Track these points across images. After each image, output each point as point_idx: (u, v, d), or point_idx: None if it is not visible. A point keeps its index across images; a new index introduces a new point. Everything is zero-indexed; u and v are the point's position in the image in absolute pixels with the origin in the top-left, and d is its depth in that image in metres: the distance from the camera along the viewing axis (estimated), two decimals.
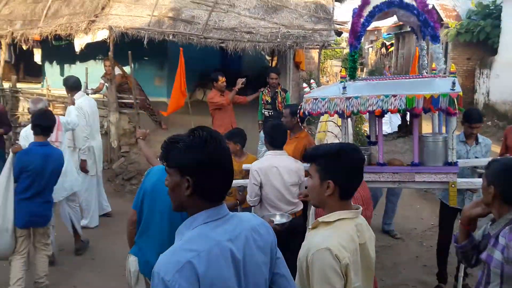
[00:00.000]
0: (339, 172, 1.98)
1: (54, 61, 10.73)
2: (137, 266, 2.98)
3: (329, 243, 1.87)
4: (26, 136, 4.66)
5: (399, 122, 4.89)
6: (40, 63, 9.94)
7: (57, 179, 4.34)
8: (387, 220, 5.83)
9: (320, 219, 2.03)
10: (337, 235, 1.92)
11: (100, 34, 8.15)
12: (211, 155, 1.57)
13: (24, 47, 9.12)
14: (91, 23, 8.27)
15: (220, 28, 8.01)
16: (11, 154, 4.26)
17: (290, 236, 3.41)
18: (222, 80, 6.69)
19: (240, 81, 6.75)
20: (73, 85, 5.86)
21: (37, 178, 4.10)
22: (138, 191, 3.06)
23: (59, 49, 9.74)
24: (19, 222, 4.13)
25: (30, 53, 9.59)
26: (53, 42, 8.92)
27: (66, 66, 10.71)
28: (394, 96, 3.36)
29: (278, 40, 7.67)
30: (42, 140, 4.19)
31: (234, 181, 4.23)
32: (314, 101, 3.55)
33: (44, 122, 4.18)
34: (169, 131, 7.85)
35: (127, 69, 8.35)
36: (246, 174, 4.32)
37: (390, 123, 6.38)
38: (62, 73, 10.73)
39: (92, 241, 5.50)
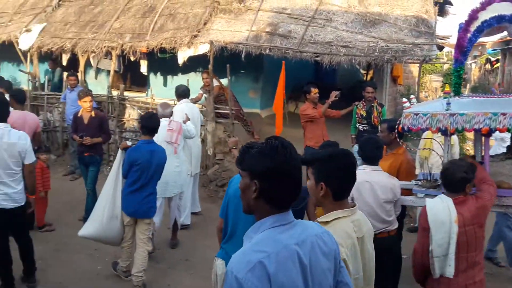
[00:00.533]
0: (330, 175, 2.17)
1: (158, 72, 11.46)
2: (223, 269, 3.07)
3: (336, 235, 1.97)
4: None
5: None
6: (145, 73, 10.67)
7: (161, 173, 4.84)
8: (492, 246, 5.42)
9: (319, 219, 2.20)
10: (334, 234, 1.96)
11: (202, 48, 8.56)
12: (280, 163, 1.65)
13: (132, 59, 9.84)
14: (194, 38, 8.74)
15: (316, 42, 8.05)
16: (119, 151, 4.97)
17: (385, 255, 3.31)
18: (314, 91, 6.70)
19: (334, 94, 6.69)
20: (181, 93, 6.76)
21: (144, 171, 4.62)
22: (223, 199, 3.22)
23: (163, 61, 10.40)
24: (128, 210, 4.69)
25: (137, 64, 10.34)
26: (158, 54, 9.56)
27: (169, 77, 11.39)
28: (504, 114, 3.14)
29: (376, 54, 7.53)
30: (148, 138, 4.76)
31: None
32: (415, 116, 3.44)
33: (150, 123, 4.80)
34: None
35: (224, 81, 8.70)
36: None
37: (498, 144, 5.94)
38: (165, 84, 11.44)
39: (188, 242, 5.79)
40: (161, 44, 8.99)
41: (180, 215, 5.92)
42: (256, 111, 10.45)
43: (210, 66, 8.27)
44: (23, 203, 4.51)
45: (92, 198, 6.16)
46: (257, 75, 10.52)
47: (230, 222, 3.11)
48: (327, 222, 2.17)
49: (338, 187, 2.19)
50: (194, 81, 9.62)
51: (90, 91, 6.57)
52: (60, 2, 11.53)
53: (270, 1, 9.11)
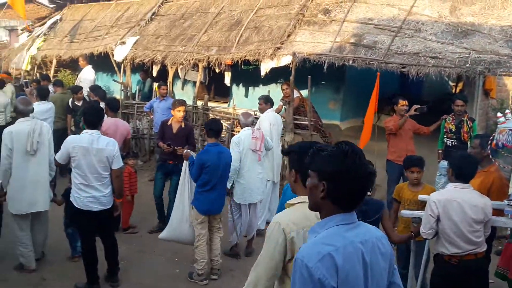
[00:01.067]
0: (301, 164, 2.36)
1: (241, 84, 11.72)
2: None
3: (281, 219, 2.34)
4: (238, 143, 5.62)
5: None
6: (228, 84, 10.95)
7: (229, 172, 5.18)
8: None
9: (288, 202, 2.46)
10: (292, 214, 2.37)
11: (284, 60, 8.61)
12: (348, 167, 1.75)
13: (217, 70, 10.16)
14: (277, 50, 8.81)
15: (403, 53, 7.76)
16: (185, 162, 5.29)
17: (472, 279, 3.08)
18: (402, 103, 6.50)
19: (414, 108, 6.45)
20: (270, 102, 7.05)
21: (214, 172, 4.93)
22: (278, 207, 3.30)
23: (246, 73, 10.62)
24: (201, 210, 4.97)
25: (221, 76, 10.65)
26: (242, 66, 9.78)
27: (250, 88, 11.61)
28: None
29: (467, 65, 7.09)
30: (214, 141, 5.13)
31: (408, 212, 4.08)
32: (510, 132, 3.18)
33: (215, 127, 5.22)
34: None
35: (304, 92, 8.68)
36: (421, 205, 4.09)
37: None
38: (246, 95, 11.67)
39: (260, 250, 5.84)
40: (245, 56, 9.18)
41: (257, 221, 6.02)
42: (335, 122, 10.29)
43: (291, 78, 8.30)
44: (110, 206, 4.78)
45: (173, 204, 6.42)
46: (338, 86, 10.37)
47: None
48: (292, 205, 2.43)
49: (303, 175, 2.38)
50: (275, 92, 9.70)
51: (184, 101, 6.71)
52: (153, 17, 12.24)
53: (355, 12, 8.97)
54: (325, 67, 8.13)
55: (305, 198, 2.23)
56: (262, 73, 9.02)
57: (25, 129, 4.89)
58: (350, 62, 8.02)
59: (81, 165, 4.54)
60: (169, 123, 6.49)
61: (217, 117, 9.55)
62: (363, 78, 7.27)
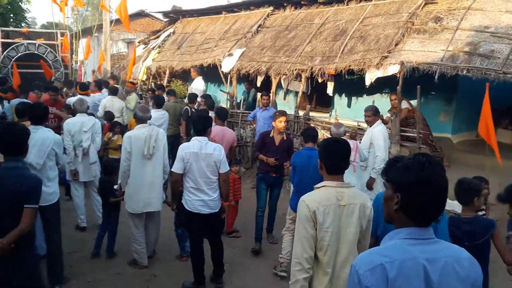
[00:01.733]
0: (323, 154, 2.97)
1: (343, 94, 11.57)
2: None
3: (306, 198, 2.84)
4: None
5: None
6: (331, 94, 10.88)
7: (319, 175, 5.18)
8: None
9: (315, 186, 2.95)
10: (315, 194, 2.88)
11: (391, 69, 8.35)
12: (424, 179, 1.69)
13: (320, 80, 10.15)
14: (384, 59, 8.59)
15: None
16: None
17: None
18: None
19: None
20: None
21: (303, 173, 5.13)
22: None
23: (350, 83, 10.47)
24: (293, 207, 5.15)
25: (323, 86, 10.61)
26: (345, 76, 9.66)
27: (353, 98, 11.41)
28: None
29: None
30: (311, 145, 5.35)
31: None
32: None
33: (311, 132, 5.49)
34: (451, 169, 7.39)
35: (413, 102, 8.32)
36: None
37: None
38: (349, 105, 11.48)
39: None
40: (349, 66, 9.07)
41: None
42: (446, 135, 9.70)
43: (398, 88, 8.01)
44: (217, 210, 4.97)
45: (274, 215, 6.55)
46: (450, 97, 9.77)
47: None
48: (317, 188, 2.92)
49: (329, 164, 2.92)
50: (380, 102, 9.40)
51: (285, 112, 6.53)
52: (259, 29, 12.61)
53: (470, 19, 8.44)
54: (436, 77, 7.74)
55: (327, 183, 2.90)
56: (367, 82, 8.83)
57: (143, 135, 5.28)
58: (464, 72, 7.56)
59: (192, 169, 4.79)
60: (271, 135, 6.28)
61: (319, 127, 9.54)
62: (477, 89, 6.77)
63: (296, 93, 11.51)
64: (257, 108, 9.86)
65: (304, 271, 2.73)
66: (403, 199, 1.74)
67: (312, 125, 9.80)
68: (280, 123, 6.18)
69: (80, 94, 9.37)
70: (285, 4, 12.70)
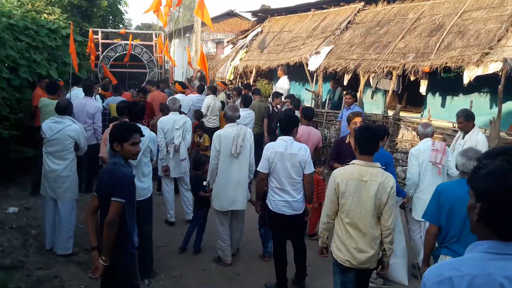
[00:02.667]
0: (356, 138, 3.66)
1: (437, 92, 10.91)
2: None
3: (335, 172, 3.68)
4: (417, 155, 5.38)
5: None
6: (424, 93, 10.29)
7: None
8: None
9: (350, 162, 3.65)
10: (343, 169, 3.69)
11: (492, 67, 7.73)
12: (506, 188, 1.52)
13: (412, 78, 9.65)
14: (484, 56, 7.96)
15: None
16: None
17: None
18: None
19: None
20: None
21: None
22: (431, 205, 3.70)
23: (445, 81, 9.83)
24: None
25: (415, 84, 10.08)
26: (441, 74, 9.08)
27: (448, 97, 10.70)
28: None
29: None
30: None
31: None
32: None
33: (384, 132, 5.38)
34: None
35: None
36: None
37: None
38: (443, 104, 10.78)
39: None
40: (446, 63, 8.53)
41: None
42: None
43: (500, 87, 7.37)
44: (301, 212, 4.88)
45: None
46: None
47: (449, 226, 3.51)
48: (349, 164, 3.66)
49: (360, 146, 3.58)
50: (478, 102, 8.77)
51: (360, 112, 6.07)
52: (348, 25, 12.30)
53: None
54: None
55: (356, 161, 3.60)
56: (465, 81, 8.25)
57: (231, 134, 5.35)
58: None
59: (277, 169, 4.76)
60: (346, 141, 5.74)
61: (409, 128, 9.08)
62: None
63: (385, 91, 11.07)
64: (344, 108, 9.61)
65: (323, 223, 3.80)
66: (483, 209, 1.58)
67: (402, 125, 9.38)
68: (355, 125, 5.54)
69: (179, 92, 9.83)
70: None
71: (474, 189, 1.65)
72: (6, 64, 7.17)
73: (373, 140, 3.60)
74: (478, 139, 5.66)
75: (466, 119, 5.71)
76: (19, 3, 10.04)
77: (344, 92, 9.46)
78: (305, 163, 4.76)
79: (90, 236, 3.48)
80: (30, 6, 9.74)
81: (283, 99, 9.64)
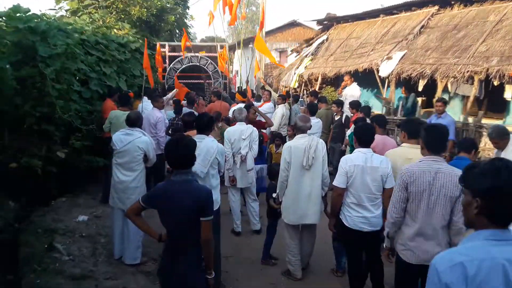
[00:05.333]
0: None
1: None
2: None
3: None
4: None
5: None
6: (509, 99, 9.44)
7: None
8: None
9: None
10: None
11: None
12: (501, 184, 1.77)
13: (496, 83, 8.89)
14: None
15: None
16: None
17: None
18: None
19: None
20: None
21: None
22: None
23: None
24: None
25: (497, 89, 9.28)
26: None
27: None
28: None
29: None
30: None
31: None
32: None
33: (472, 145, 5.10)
34: None
35: None
36: None
37: None
38: None
39: None
40: None
41: None
42: None
43: None
44: (379, 228, 4.50)
45: None
46: None
47: None
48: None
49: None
50: None
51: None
52: (422, 30, 11.67)
53: None
54: None
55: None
56: None
57: (303, 145, 5.06)
58: None
59: (355, 184, 4.41)
60: None
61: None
62: None
63: (462, 97, 10.32)
64: (432, 116, 8.96)
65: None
66: (482, 204, 1.82)
67: (484, 133, 8.63)
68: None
69: (240, 101, 9.67)
70: (452, 2, 11.56)
71: (469, 188, 1.88)
72: (78, 78, 7.34)
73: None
74: None
75: (500, 138, 5.21)
76: (91, 20, 10.42)
77: (420, 99, 8.86)
78: (386, 177, 4.39)
79: (148, 231, 3.38)
80: (101, 22, 10.06)
81: (346, 107, 9.21)
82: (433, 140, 3.58)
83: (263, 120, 7.87)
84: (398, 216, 3.66)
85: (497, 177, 1.79)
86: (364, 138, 4.55)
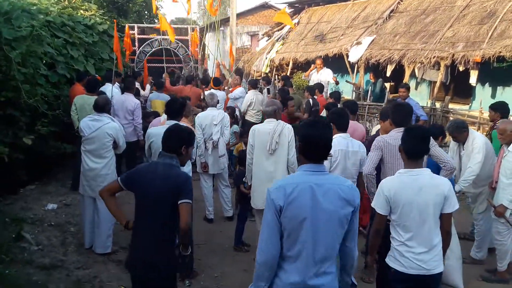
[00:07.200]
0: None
1: (487, 83, 10.28)
2: None
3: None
4: None
5: None
6: (474, 84, 9.70)
7: None
8: None
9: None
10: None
11: None
12: (311, 133, 2.50)
13: (461, 69, 9.10)
14: None
15: None
16: None
17: None
18: None
19: None
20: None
21: None
22: None
23: (497, 71, 9.21)
24: None
25: (463, 75, 9.51)
26: (494, 63, 8.51)
27: (499, 88, 10.06)
28: None
29: None
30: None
31: None
32: None
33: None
34: None
35: None
36: None
37: None
38: (493, 95, 10.15)
39: None
40: (500, 52, 7.96)
41: None
42: None
43: None
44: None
45: None
46: None
47: None
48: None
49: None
50: None
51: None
52: (391, 14, 11.78)
53: None
54: None
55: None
56: None
57: (268, 129, 5.08)
58: None
59: (338, 169, 4.50)
60: None
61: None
62: None
63: (429, 82, 10.54)
64: (397, 100, 9.11)
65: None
66: (301, 146, 2.51)
67: (451, 118, 8.87)
68: None
69: (213, 88, 9.58)
70: None
71: (296, 134, 2.53)
72: (44, 61, 7.10)
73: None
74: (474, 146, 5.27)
75: (458, 132, 5.35)
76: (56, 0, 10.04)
77: (387, 84, 9.00)
78: (364, 161, 4.50)
79: (117, 214, 3.38)
80: (66, 3, 9.70)
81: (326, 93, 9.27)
82: (399, 116, 4.20)
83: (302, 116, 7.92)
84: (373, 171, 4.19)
85: (309, 128, 2.49)
86: (341, 123, 4.60)
